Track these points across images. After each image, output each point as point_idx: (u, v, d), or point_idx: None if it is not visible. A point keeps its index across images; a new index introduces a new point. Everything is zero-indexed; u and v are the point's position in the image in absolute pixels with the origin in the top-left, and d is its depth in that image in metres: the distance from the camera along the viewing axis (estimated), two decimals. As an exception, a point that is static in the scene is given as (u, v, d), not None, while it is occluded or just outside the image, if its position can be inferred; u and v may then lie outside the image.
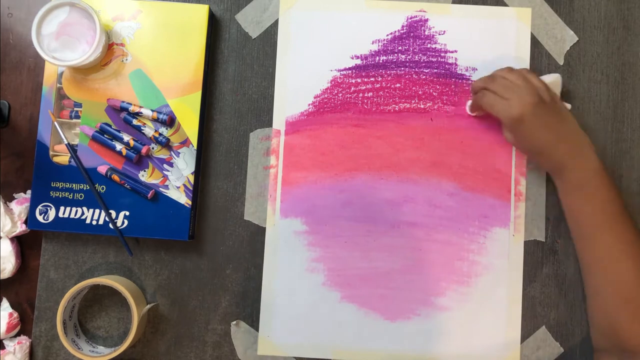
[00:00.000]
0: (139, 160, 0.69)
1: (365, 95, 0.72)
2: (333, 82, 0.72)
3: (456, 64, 0.72)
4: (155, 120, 0.69)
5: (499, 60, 0.72)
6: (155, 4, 0.70)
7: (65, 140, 0.68)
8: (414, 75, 0.72)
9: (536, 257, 0.71)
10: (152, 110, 0.69)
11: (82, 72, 0.69)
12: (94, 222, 0.68)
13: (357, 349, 0.69)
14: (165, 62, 0.69)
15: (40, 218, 0.68)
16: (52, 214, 0.68)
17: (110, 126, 0.69)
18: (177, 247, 0.70)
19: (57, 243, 0.70)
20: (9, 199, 0.71)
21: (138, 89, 0.69)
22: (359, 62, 0.72)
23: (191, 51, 0.70)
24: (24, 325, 0.70)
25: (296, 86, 0.72)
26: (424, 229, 0.70)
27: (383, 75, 0.72)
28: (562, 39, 0.72)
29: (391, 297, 0.70)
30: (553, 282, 0.70)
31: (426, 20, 0.73)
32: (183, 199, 0.68)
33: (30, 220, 0.68)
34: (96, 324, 0.70)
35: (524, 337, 0.70)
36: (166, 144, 0.69)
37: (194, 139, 0.69)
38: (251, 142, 0.72)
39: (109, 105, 0.69)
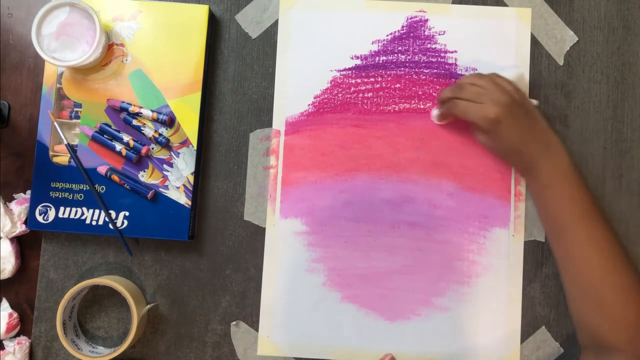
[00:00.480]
0: (139, 160, 0.69)
1: (365, 95, 0.72)
2: (333, 82, 0.72)
3: (456, 64, 0.72)
4: (155, 121, 0.69)
5: (499, 60, 0.72)
6: (155, 4, 0.70)
7: (65, 141, 0.68)
8: (414, 76, 0.72)
9: (536, 257, 0.70)
10: (152, 111, 0.69)
11: (82, 72, 0.69)
12: (94, 223, 0.68)
13: (357, 349, 0.69)
14: (165, 63, 0.69)
15: (40, 218, 0.68)
16: (51, 214, 0.68)
17: (110, 126, 0.69)
18: (177, 247, 0.70)
19: (56, 243, 0.70)
20: (8, 199, 0.71)
21: (138, 89, 0.69)
22: (359, 62, 0.72)
23: (191, 51, 0.70)
24: (23, 326, 0.70)
25: (296, 86, 0.72)
26: (424, 229, 0.70)
27: (383, 76, 0.72)
28: (562, 39, 0.72)
29: (391, 297, 0.70)
30: (553, 282, 0.70)
31: (426, 20, 0.73)
32: (183, 199, 0.68)
33: (30, 220, 0.68)
34: (96, 324, 0.70)
35: (524, 337, 0.70)
36: (166, 144, 0.69)
37: (193, 139, 0.69)
38: (251, 142, 0.72)
39: (108, 105, 0.69)
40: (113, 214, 0.68)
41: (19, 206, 0.69)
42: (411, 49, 0.72)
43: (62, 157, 0.69)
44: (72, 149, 0.68)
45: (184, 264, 0.70)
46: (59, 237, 0.70)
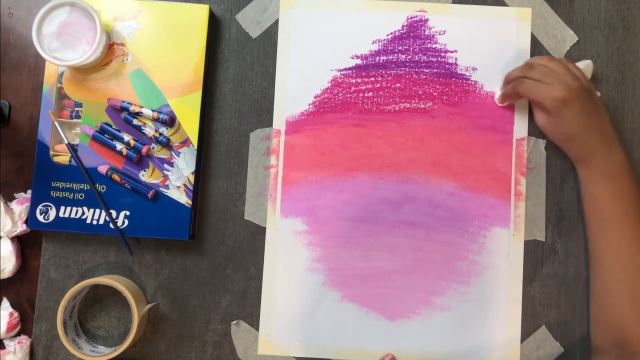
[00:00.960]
0: (140, 160, 0.69)
1: (366, 95, 0.72)
2: (333, 82, 0.72)
3: (456, 64, 0.72)
4: (156, 120, 0.69)
5: (499, 60, 0.72)
6: (156, 4, 0.70)
7: (65, 140, 0.68)
8: (414, 75, 0.72)
9: (536, 257, 0.71)
10: (153, 110, 0.69)
11: (83, 72, 0.69)
12: (95, 222, 0.68)
13: (357, 349, 0.70)
14: (166, 62, 0.69)
15: (40, 218, 0.68)
16: (52, 214, 0.68)
17: (110, 126, 0.69)
18: (177, 246, 0.70)
19: (57, 243, 0.70)
20: (9, 198, 0.71)
21: (138, 89, 0.69)
22: (359, 62, 0.72)
23: (191, 51, 0.70)
24: (24, 325, 0.70)
25: (296, 86, 0.72)
26: (424, 229, 0.70)
27: (383, 75, 0.72)
28: (562, 39, 0.72)
29: (391, 297, 0.70)
30: (553, 282, 0.70)
31: (426, 20, 0.73)
32: (183, 199, 0.68)
33: (30, 220, 0.68)
34: (96, 323, 0.70)
35: (524, 337, 0.70)
36: (166, 144, 0.69)
37: (194, 138, 0.69)
38: (251, 142, 0.72)
39: (109, 105, 0.69)
40: (114, 213, 0.68)
41: (20, 206, 0.69)
42: (411, 49, 0.72)
43: (62, 157, 0.69)
44: (72, 148, 0.68)
45: (185, 263, 0.70)
46: (60, 236, 0.70)
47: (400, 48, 0.72)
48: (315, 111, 0.72)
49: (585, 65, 0.70)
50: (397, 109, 0.72)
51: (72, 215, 0.68)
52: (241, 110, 0.72)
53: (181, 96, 0.69)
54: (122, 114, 0.69)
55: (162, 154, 0.69)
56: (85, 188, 0.68)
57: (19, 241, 0.71)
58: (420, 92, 0.72)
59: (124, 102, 0.69)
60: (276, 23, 0.73)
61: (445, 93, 0.72)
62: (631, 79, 0.72)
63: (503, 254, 0.70)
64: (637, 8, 0.73)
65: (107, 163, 0.68)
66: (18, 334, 0.70)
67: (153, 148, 0.69)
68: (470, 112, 0.71)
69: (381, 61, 0.72)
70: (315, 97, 0.72)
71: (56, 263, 0.70)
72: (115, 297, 0.70)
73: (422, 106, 0.72)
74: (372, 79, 0.72)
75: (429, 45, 0.72)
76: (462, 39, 0.72)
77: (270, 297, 0.70)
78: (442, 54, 0.72)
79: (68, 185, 0.68)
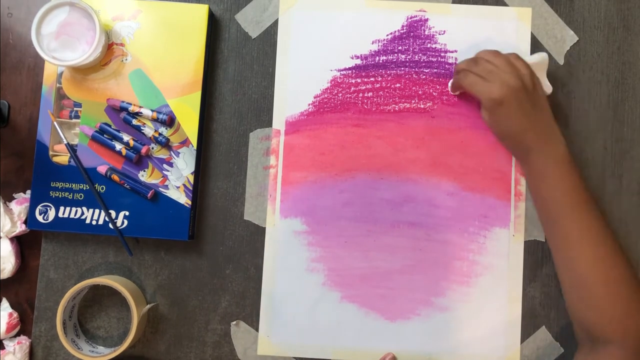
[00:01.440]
0: (139, 160, 0.69)
1: (365, 95, 0.72)
2: (333, 82, 0.72)
3: (456, 64, 0.72)
4: (155, 120, 0.69)
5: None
6: (155, 4, 0.70)
7: (64, 140, 0.68)
8: (414, 75, 0.72)
9: (536, 257, 0.71)
10: (152, 110, 0.69)
11: (82, 72, 0.69)
12: (94, 222, 0.68)
13: (357, 349, 0.69)
14: (165, 62, 0.69)
15: (40, 218, 0.68)
16: (51, 214, 0.68)
17: (110, 126, 0.69)
18: (177, 247, 0.70)
19: (56, 243, 0.70)
20: (8, 199, 0.71)
21: (138, 89, 0.69)
22: (359, 62, 0.72)
23: (191, 51, 0.69)
24: (23, 325, 0.70)
25: (296, 86, 0.72)
26: (424, 229, 0.70)
27: (383, 75, 0.72)
28: (562, 39, 0.72)
29: (391, 297, 0.70)
30: (553, 282, 0.70)
31: (426, 20, 0.73)
32: (183, 199, 0.68)
33: (30, 220, 0.68)
34: (96, 324, 0.70)
35: (524, 337, 0.70)
36: (166, 144, 0.69)
37: (193, 139, 0.69)
38: (251, 142, 0.72)
39: (108, 105, 0.69)
40: (113, 213, 0.68)
41: (19, 206, 0.69)
42: (411, 49, 0.72)
43: (62, 157, 0.69)
44: (72, 148, 0.68)
45: (184, 263, 0.70)
46: (59, 236, 0.70)
47: (400, 48, 0.72)
48: (315, 111, 0.72)
49: (539, 59, 0.68)
50: (396, 109, 0.72)
51: (72, 216, 0.68)
52: (241, 110, 0.72)
53: (181, 96, 0.69)
54: (122, 114, 0.69)
55: (161, 154, 0.69)
56: (84, 188, 0.68)
57: (19, 241, 0.71)
58: (420, 92, 0.72)
59: (123, 102, 0.69)
60: (276, 23, 0.73)
61: (445, 93, 0.72)
62: (631, 79, 0.72)
63: (503, 254, 0.70)
64: (637, 8, 0.73)
65: (106, 163, 0.68)
66: (17, 335, 0.70)
67: (152, 148, 0.69)
68: (470, 112, 0.71)
69: (381, 61, 0.72)
70: (314, 97, 0.72)
71: (55, 263, 0.70)
72: (115, 298, 0.69)
73: (422, 106, 0.72)
74: (372, 79, 0.72)
75: (428, 45, 0.72)
76: (462, 39, 0.72)
77: (270, 297, 0.70)
78: (442, 54, 0.72)
79: (67, 186, 0.68)
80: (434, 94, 0.72)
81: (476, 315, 0.70)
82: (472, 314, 0.70)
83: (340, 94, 0.72)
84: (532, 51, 0.72)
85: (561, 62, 0.72)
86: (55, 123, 0.68)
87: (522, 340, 0.70)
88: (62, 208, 0.68)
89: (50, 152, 0.69)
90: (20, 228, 0.69)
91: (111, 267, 0.70)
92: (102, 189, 0.68)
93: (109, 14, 0.70)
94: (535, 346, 0.69)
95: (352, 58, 0.72)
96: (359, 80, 0.72)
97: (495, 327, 0.69)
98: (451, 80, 0.71)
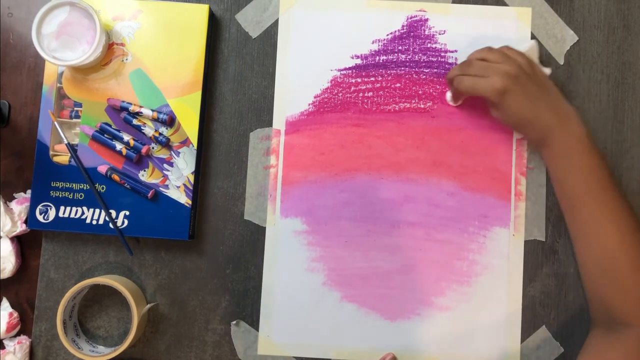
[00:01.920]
0: (139, 160, 0.69)
1: (365, 95, 0.72)
2: (333, 82, 0.72)
3: (456, 64, 0.72)
4: (155, 120, 0.69)
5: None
6: (156, 4, 0.70)
7: (65, 140, 0.68)
8: (414, 75, 0.72)
9: (536, 257, 0.71)
10: (152, 110, 0.69)
11: (82, 71, 0.69)
12: (94, 222, 0.68)
13: (357, 349, 0.70)
14: (166, 62, 0.69)
15: (40, 218, 0.68)
16: (52, 214, 0.68)
17: (110, 126, 0.69)
18: (177, 246, 0.70)
19: (57, 243, 0.70)
20: (9, 198, 0.71)
21: (138, 89, 0.69)
22: (359, 61, 0.72)
23: (191, 51, 0.70)
24: (24, 325, 0.70)
25: (296, 86, 0.72)
26: (424, 229, 0.70)
27: (383, 75, 0.72)
28: (562, 39, 0.72)
29: (391, 297, 0.70)
30: (553, 282, 0.70)
31: (426, 20, 0.73)
32: (183, 199, 0.68)
33: (30, 219, 0.68)
34: (96, 323, 0.70)
35: (524, 337, 0.70)
36: (166, 144, 0.69)
37: (194, 138, 0.69)
38: (251, 142, 0.72)
39: (109, 105, 0.69)
40: (113, 213, 0.68)
41: (19, 205, 0.69)
42: (411, 49, 0.72)
43: (62, 157, 0.69)
44: (72, 148, 0.68)
45: (184, 263, 0.70)
46: (59, 236, 0.70)
47: (400, 48, 0.72)
48: (315, 111, 0.72)
49: (529, 47, 0.68)
50: (397, 108, 0.72)
51: (72, 215, 0.68)
52: (241, 110, 0.72)
53: (181, 96, 0.69)
54: (122, 113, 0.69)
55: (161, 153, 0.69)
56: (84, 188, 0.68)
57: (19, 241, 0.71)
58: (420, 92, 0.72)
59: (123, 102, 0.69)
60: (276, 23, 0.73)
61: (445, 93, 0.72)
62: (631, 79, 0.72)
63: (503, 254, 0.70)
64: (637, 8, 0.73)
65: (106, 163, 0.68)
66: (18, 334, 0.70)
67: (153, 148, 0.69)
68: (470, 112, 0.71)
69: (381, 61, 0.72)
70: (315, 97, 0.72)
71: (56, 263, 0.70)
72: (115, 297, 0.70)
73: (422, 106, 0.72)
74: (372, 78, 0.72)
75: (429, 45, 0.72)
76: (462, 38, 0.72)
77: (270, 297, 0.70)
78: (442, 54, 0.72)
79: (68, 185, 0.68)
80: (434, 93, 0.72)
81: (476, 315, 0.70)
82: (472, 314, 0.70)
83: (340, 94, 0.72)
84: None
85: (561, 62, 0.72)
86: (55, 123, 0.68)
87: (522, 339, 0.70)
88: (62, 208, 0.68)
89: (51, 152, 0.69)
90: (21, 228, 0.69)
91: (111, 266, 0.70)
92: (103, 188, 0.68)
93: (110, 14, 0.70)
94: (535, 346, 0.69)
95: (352, 58, 0.72)
96: (359, 80, 0.72)
97: (495, 327, 0.69)
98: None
